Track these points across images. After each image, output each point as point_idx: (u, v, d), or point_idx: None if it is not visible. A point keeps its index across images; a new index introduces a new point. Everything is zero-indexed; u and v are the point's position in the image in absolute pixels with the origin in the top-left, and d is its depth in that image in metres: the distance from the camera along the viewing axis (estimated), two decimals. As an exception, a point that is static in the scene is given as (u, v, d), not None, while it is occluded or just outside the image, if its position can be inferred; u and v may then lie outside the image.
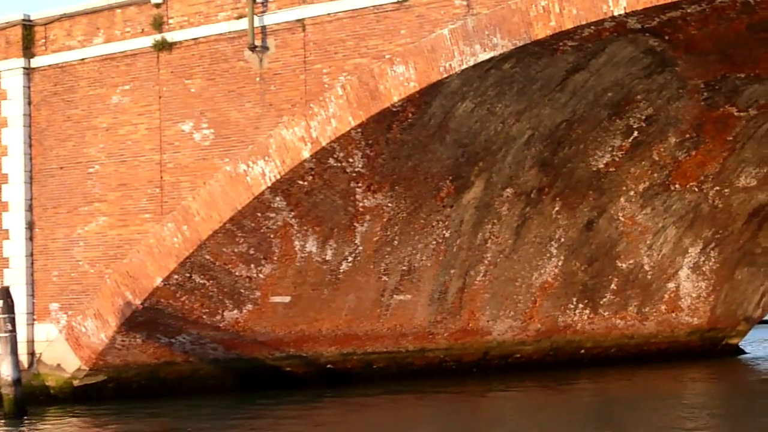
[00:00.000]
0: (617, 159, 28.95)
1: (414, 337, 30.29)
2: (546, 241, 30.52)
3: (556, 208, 29.79)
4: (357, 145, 24.42)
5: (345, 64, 24.19)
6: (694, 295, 34.59)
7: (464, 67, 22.99)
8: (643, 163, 29.47)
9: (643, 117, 27.57)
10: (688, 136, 28.83)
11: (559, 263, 31.21)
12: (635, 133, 28.18)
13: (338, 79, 24.11)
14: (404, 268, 28.29)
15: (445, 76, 23.18)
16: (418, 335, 30.36)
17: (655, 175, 30.03)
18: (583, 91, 25.58)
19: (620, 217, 31.04)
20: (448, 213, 27.97)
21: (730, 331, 36.90)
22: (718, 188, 31.33)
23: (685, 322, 35.27)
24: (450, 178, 26.98)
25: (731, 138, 29.29)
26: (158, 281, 25.36)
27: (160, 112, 26.17)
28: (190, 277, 25.49)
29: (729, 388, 28.62)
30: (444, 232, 28.36)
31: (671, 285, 33.96)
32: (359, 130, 24.00)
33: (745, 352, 37.79)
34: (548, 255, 30.88)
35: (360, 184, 25.47)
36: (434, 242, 28.47)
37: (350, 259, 27.03)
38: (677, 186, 30.77)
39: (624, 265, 32.45)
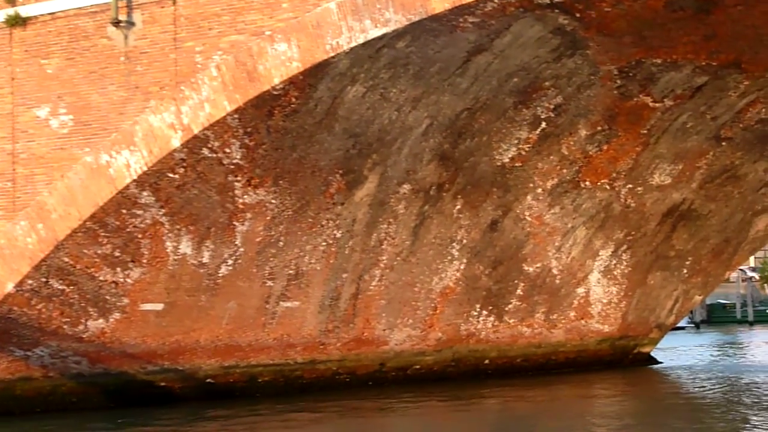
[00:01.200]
0: (523, 153, 26.67)
1: (303, 347, 27.69)
2: (447, 243, 28.14)
3: (458, 207, 27.41)
4: (234, 133, 21.78)
5: (220, 42, 21.66)
6: (604, 300, 32.49)
7: (353, 45, 20.53)
8: (552, 157, 27.23)
9: (552, 106, 25.34)
10: (599, 128, 26.66)
11: (461, 267, 28.84)
12: (543, 125, 25.93)
13: (212, 58, 21.56)
14: (291, 272, 25.67)
15: (332, 55, 20.68)
16: (308, 346, 27.77)
17: (565, 171, 27.82)
18: (486, 75, 23.23)
19: (527, 217, 28.79)
20: (338, 211, 25.44)
21: (642, 339, 34.86)
22: (630, 186, 29.22)
23: (595, 329, 33.15)
24: (340, 172, 24.44)
25: (645, 131, 27.19)
26: (10, 287, 22.57)
27: (13, 96, 23.42)
28: (47, 282, 22.70)
29: (638, 401, 26.90)
30: (335, 232, 25.82)
31: (581, 290, 31.81)
32: (236, 116, 21.40)
33: (657, 362, 35.83)
34: (449, 258, 28.50)
35: (239, 178, 22.84)
36: (324, 243, 25.91)
37: (230, 262, 24.37)
38: (587, 183, 28.59)
39: (531, 269, 30.21)
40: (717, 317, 73.96)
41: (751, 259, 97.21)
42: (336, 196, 25.01)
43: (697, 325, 68.65)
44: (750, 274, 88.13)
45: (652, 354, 36.20)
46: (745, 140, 28.69)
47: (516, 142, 26.20)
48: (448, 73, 22.74)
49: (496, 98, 24.29)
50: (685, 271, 33.33)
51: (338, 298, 27.27)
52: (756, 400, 25.73)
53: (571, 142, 26.86)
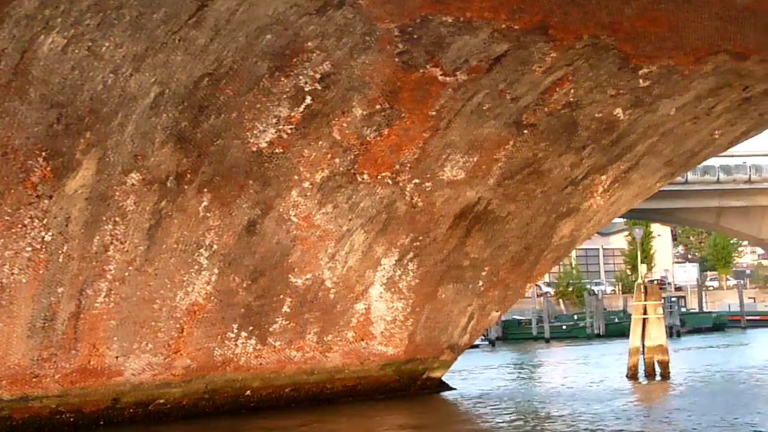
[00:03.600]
0: (285, 136, 21.50)
1: (9, 381, 21.81)
2: (193, 249, 22.70)
3: (204, 203, 22.01)
4: None
5: None
6: (388, 318, 27.58)
7: (38, -28, 15.01)
8: (321, 143, 22.15)
9: (318, 76, 20.28)
10: (378, 107, 21.73)
11: (213, 278, 23.43)
12: (308, 99, 20.83)
13: None
14: (-16, 285, 19.82)
15: (13, -14, 15.10)
16: (16, 379, 21.90)
17: (337, 160, 22.77)
18: (230, 29, 18.00)
19: (292, 217, 23.57)
20: (45, 207, 19.73)
21: (432, 362, 30.07)
22: (417, 181, 24.41)
23: (377, 352, 28.19)
24: (43, 155, 18.80)
25: (434, 113, 22.43)
26: None
27: None
28: None
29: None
30: (42, 234, 20.09)
31: (360, 306, 26.80)
32: None
33: (450, 387, 31.23)
34: (197, 267, 23.04)
35: None
36: (29, 249, 20.16)
37: None
38: (366, 177, 23.63)
39: (299, 281, 25.00)
40: (513, 334, 71.11)
41: (547, 274, 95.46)
42: (40, 186, 19.34)
43: (493, 343, 65.46)
44: (545, 289, 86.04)
45: (444, 379, 31.52)
46: (551, 128, 24.34)
47: (275, 121, 21.02)
48: (177, 23, 17.43)
49: (245, 62, 19.07)
50: (481, 283, 28.76)
51: (54, 318, 21.52)
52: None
53: (344, 124, 21.84)
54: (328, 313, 26.25)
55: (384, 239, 25.52)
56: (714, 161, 45.41)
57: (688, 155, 28.26)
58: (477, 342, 61.24)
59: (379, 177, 23.73)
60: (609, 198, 28.44)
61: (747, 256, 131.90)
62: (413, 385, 29.90)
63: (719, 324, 75.35)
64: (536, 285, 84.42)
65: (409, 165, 23.74)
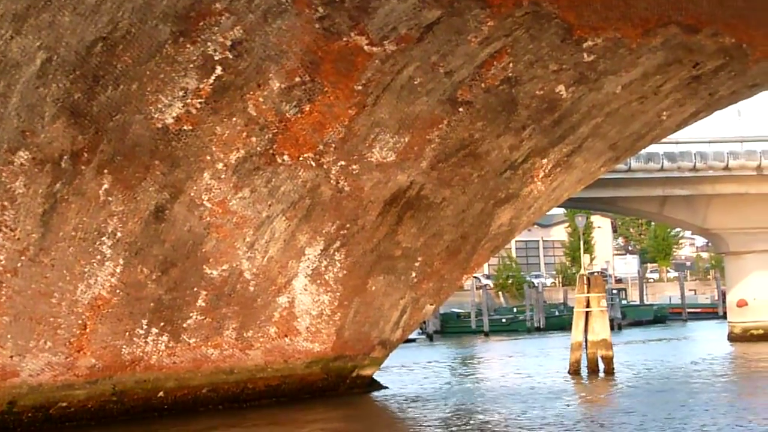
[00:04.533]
0: (194, 111, 19.40)
1: None
2: (94, 237, 20.53)
3: (105, 186, 19.84)
4: None
5: None
6: (314, 312, 25.55)
7: None
8: (235, 119, 20.07)
9: (229, 43, 18.20)
10: (298, 79, 19.68)
11: (118, 270, 21.27)
12: (218, 70, 18.73)
13: None
14: None
15: None
16: None
17: (254, 139, 20.70)
18: (125, -15, 15.87)
19: (205, 202, 21.47)
20: None
21: (362, 359, 28.07)
22: (343, 163, 22.40)
23: (303, 349, 26.16)
24: None
25: (360, 87, 20.42)
26: None
27: None
28: None
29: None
30: None
31: (283, 300, 24.77)
32: None
33: (382, 386, 29.28)
34: (99, 257, 20.88)
35: None
36: None
37: None
38: (286, 158, 21.57)
39: (215, 273, 22.91)
40: (451, 328, 69.63)
41: (486, 266, 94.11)
42: None
43: (430, 337, 63.82)
44: (485, 281, 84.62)
45: (376, 377, 29.58)
46: (488, 106, 22.45)
47: (182, 94, 18.92)
48: (60, -24, 15.27)
49: (144, 25, 16.96)
50: (414, 274, 26.84)
51: (-63, 314, 19.29)
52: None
53: (260, 99, 19.77)
54: (247, 307, 24.19)
55: (308, 227, 23.50)
56: (658, 148, 43.86)
57: (634, 138, 26.56)
58: (414, 336, 59.54)
59: (300, 158, 21.70)
60: (550, 183, 26.65)
61: (687, 248, 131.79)
62: (342, 384, 27.92)
63: (660, 317, 74.52)
64: (475, 277, 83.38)
65: (333, 145, 21.74)
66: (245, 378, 25.63)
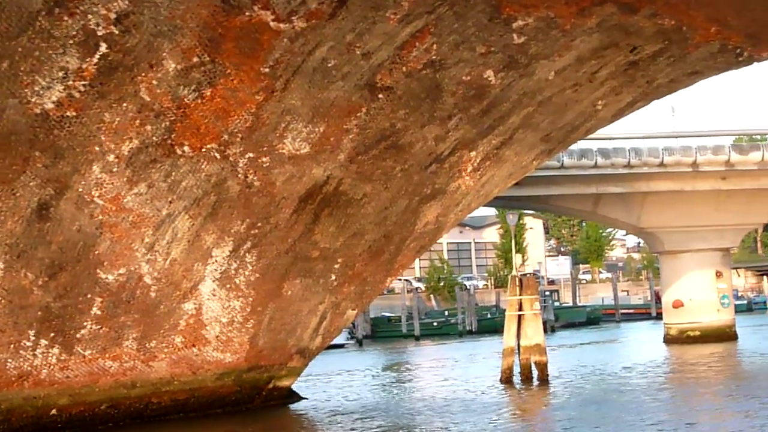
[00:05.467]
0: (78, 95, 17.21)
1: None
2: (-32, 238, 18.29)
3: (-22, 180, 17.62)
4: None
5: None
6: (224, 320, 23.44)
7: None
8: (126, 105, 17.91)
9: (114, 16, 16.04)
10: (196, 59, 17.57)
11: (-3, 275, 19.04)
12: (103, 47, 16.56)
13: None
14: None
15: None
16: None
17: (149, 127, 18.55)
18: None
19: (96, 199, 19.27)
20: None
21: (278, 369, 25.97)
22: (252, 156, 20.33)
23: (213, 359, 24.04)
24: None
25: (267, 70, 18.36)
26: None
27: None
28: None
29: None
30: None
31: (189, 306, 22.64)
32: None
33: (301, 398, 27.22)
34: (-24, 261, 18.64)
35: None
36: None
37: None
38: (187, 149, 19.45)
39: (111, 277, 20.72)
40: (382, 332, 68.06)
41: (417, 268, 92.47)
42: None
43: (360, 342, 62.04)
44: (416, 284, 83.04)
45: (295, 388, 27.52)
46: (410, 93, 20.52)
47: (62, 75, 16.73)
48: None
49: (9, -8, 14.77)
50: (333, 277, 24.83)
51: None
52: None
53: (154, 81, 17.64)
54: (149, 314, 22.03)
55: (214, 226, 21.39)
56: (592, 144, 42.36)
57: (568, 129, 24.82)
58: (342, 341, 57.70)
59: (203, 149, 19.60)
60: (479, 178, 24.81)
61: (618, 249, 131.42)
62: (257, 397, 25.84)
63: (594, 318, 73.54)
64: (406, 280, 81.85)
65: (240, 135, 19.66)
66: (149, 392, 23.46)
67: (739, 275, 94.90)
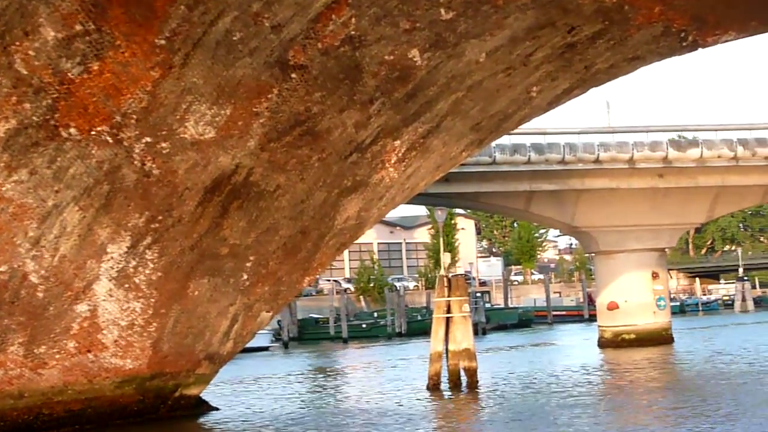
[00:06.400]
0: (-59, 65, 15.04)
1: None
2: None
3: None
4: None
5: None
6: (123, 323, 21.32)
7: None
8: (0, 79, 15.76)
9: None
10: (79, 27, 15.45)
11: None
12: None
13: None
14: None
15: None
16: None
17: (28, 106, 16.40)
18: None
19: (-32, 186, 17.11)
20: None
21: (185, 376, 23.88)
22: (149, 140, 18.25)
23: (111, 366, 21.90)
24: None
25: (164, 42, 16.31)
26: None
27: None
28: None
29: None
30: None
31: (83, 308, 20.49)
32: None
33: (212, 407, 25.16)
34: None
35: None
36: None
37: None
38: (73, 131, 17.31)
39: (-9, 275, 18.54)
40: (309, 334, 66.28)
41: (347, 269, 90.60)
42: None
43: (286, 344, 59.95)
44: (345, 285, 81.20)
45: (204, 397, 25.43)
46: (327, 72, 18.56)
47: None
48: None
49: None
50: (245, 276, 22.80)
51: None
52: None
53: (31, 53, 15.52)
54: (37, 317, 19.85)
55: (109, 219, 19.26)
56: (525, 139, 40.74)
57: (500, 118, 23.03)
58: (266, 344, 55.72)
59: (93, 132, 17.47)
60: (404, 170, 22.93)
61: (550, 251, 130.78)
62: (162, 406, 23.73)
63: (525, 320, 72.43)
64: (336, 281, 80.00)
65: (135, 116, 17.57)
66: (39, 402, 21.29)
67: (671, 277, 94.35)
